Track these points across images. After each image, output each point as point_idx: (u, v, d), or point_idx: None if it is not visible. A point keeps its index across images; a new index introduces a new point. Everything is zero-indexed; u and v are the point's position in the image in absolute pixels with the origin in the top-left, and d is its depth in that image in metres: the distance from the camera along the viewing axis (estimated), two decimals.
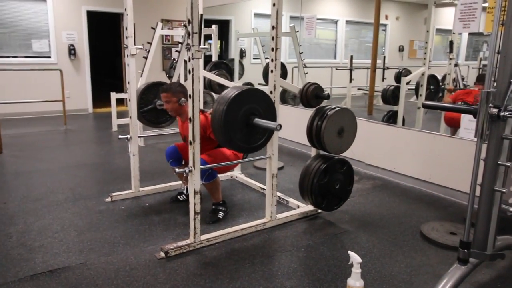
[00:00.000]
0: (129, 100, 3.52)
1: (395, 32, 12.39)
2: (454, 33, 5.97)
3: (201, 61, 3.61)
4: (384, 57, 10.02)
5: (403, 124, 5.74)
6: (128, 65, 3.46)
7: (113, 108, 6.49)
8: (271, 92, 2.94)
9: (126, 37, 3.41)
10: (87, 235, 2.88)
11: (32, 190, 3.78)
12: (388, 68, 10.25)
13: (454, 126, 5.11)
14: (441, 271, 2.46)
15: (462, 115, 3.67)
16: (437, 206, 3.58)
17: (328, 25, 11.38)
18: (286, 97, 6.71)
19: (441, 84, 6.07)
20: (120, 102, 8.05)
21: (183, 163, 3.43)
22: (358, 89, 10.31)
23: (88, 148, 5.53)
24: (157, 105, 3.59)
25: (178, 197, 3.57)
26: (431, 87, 5.91)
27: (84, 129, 6.77)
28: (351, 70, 9.23)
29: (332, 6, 11.43)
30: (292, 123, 5.65)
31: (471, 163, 3.55)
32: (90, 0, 7.93)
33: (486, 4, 3.74)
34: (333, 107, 3.03)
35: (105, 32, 12.92)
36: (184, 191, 3.56)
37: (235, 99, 2.47)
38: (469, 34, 10.35)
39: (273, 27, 2.83)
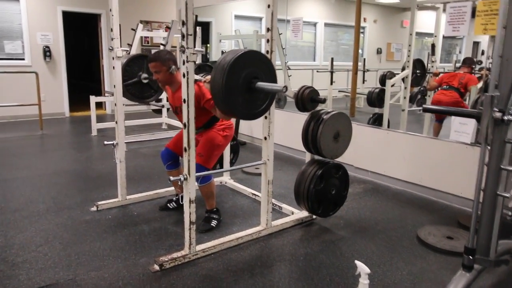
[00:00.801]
0: (115, 104, 3.36)
1: (373, 35, 12.56)
2: (435, 36, 6.02)
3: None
4: (364, 59, 10.11)
5: (388, 126, 5.78)
6: (113, 68, 3.30)
7: (93, 112, 6.27)
8: None
9: (112, 39, 3.25)
10: (74, 248, 2.72)
11: (10, 200, 3.57)
12: (368, 70, 10.36)
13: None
14: (444, 278, 2.44)
15: (453, 117, 3.68)
16: (430, 210, 3.58)
17: (307, 27, 11.41)
18: None
19: (426, 68, 6.15)
20: (99, 105, 7.80)
21: (180, 167, 3.29)
22: (339, 91, 10.36)
23: (67, 154, 5.31)
24: (142, 79, 3.42)
25: (168, 205, 3.43)
26: (417, 71, 5.95)
27: (62, 134, 6.51)
28: (332, 72, 9.25)
29: (311, 9, 11.47)
30: (279, 126, 5.58)
31: (462, 165, 3.60)
32: (66, 1, 7.66)
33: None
34: (329, 111, 2.97)
35: (79, 33, 12.56)
36: (180, 200, 3.42)
37: (236, 63, 2.27)
38: (443, 37, 10.59)
39: (268, 29, 2.75)
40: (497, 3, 3.19)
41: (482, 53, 13.19)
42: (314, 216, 3.28)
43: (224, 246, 2.77)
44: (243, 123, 5.88)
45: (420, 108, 8.18)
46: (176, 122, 6.74)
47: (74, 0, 7.77)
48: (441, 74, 5.63)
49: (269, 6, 2.70)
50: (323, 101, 2.89)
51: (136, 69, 3.44)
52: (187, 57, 2.33)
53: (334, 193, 3.11)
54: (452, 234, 3.02)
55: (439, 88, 5.38)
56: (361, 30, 13.40)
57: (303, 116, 2.90)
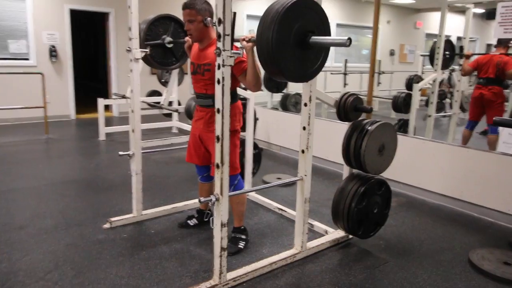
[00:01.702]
0: (132, 111, 3.05)
1: (386, 36, 12.21)
2: (464, 38, 5.68)
3: None
4: (379, 61, 9.78)
5: (414, 134, 5.46)
6: (131, 70, 2.99)
7: (101, 116, 5.95)
8: (305, 105, 2.54)
9: (130, 39, 2.94)
10: (88, 275, 2.41)
11: (15, 214, 3.26)
12: (383, 72, 10.03)
13: (480, 107, 4.91)
14: None
15: (501, 127, 3.36)
16: (475, 228, 3.25)
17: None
18: (287, 104, 6.34)
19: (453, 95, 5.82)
20: (105, 108, 7.48)
21: (212, 181, 2.96)
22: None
23: (75, 160, 5.00)
24: (166, 43, 3.09)
25: (188, 221, 3.12)
26: (446, 53, 5.57)
27: (68, 138, 6.20)
28: (345, 74, 8.92)
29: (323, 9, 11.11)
30: (298, 132, 5.27)
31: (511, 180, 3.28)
32: None
33: None
34: (373, 121, 2.65)
35: (84, 32, 12.26)
36: (211, 223, 3.10)
37: (287, 14, 1.92)
38: (457, 39, 10.26)
39: None
40: None
41: None
42: (350, 236, 2.96)
43: (257, 273, 2.45)
44: (259, 129, 5.57)
45: (445, 113, 7.85)
46: (187, 127, 6.44)
47: None
48: (474, 56, 5.26)
49: None
50: (370, 110, 2.58)
51: (161, 31, 3.11)
52: (223, 60, 2.01)
53: (376, 211, 2.79)
54: (508, 259, 2.69)
55: (477, 82, 5.04)
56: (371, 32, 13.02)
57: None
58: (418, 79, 5.76)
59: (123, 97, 6.04)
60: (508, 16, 3.22)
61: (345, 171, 2.88)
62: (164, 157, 5.08)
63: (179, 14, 3.28)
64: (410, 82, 5.68)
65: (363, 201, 2.68)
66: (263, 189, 3.79)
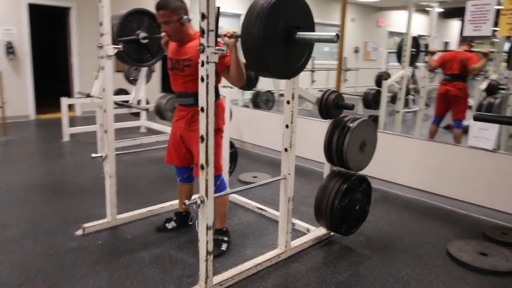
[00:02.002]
0: (105, 110, 2.90)
1: (350, 34, 12.40)
2: (429, 36, 5.85)
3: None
4: (345, 58, 9.92)
5: (384, 129, 5.56)
6: (103, 68, 2.84)
7: (65, 115, 5.67)
8: (288, 102, 2.51)
9: (101, 35, 2.79)
10: (63, 287, 2.26)
11: None
12: (349, 69, 10.20)
13: (446, 103, 5.04)
14: None
15: (472, 122, 3.46)
16: (449, 221, 3.34)
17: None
18: (258, 101, 6.29)
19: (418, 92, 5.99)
20: (68, 107, 7.15)
21: (192, 182, 2.89)
22: (319, 91, 10.13)
23: (39, 163, 4.73)
24: (140, 39, 2.96)
25: (166, 225, 3.01)
26: (412, 50, 5.71)
27: (29, 140, 5.87)
28: (312, 71, 9.00)
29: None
30: (271, 129, 5.25)
31: (482, 173, 3.38)
32: None
33: None
34: (354, 118, 2.65)
35: (43, 28, 11.68)
36: (196, 227, 3.00)
37: (274, 8, 1.87)
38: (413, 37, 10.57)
39: None
40: None
41: None
42: (332, 233, 2.96)
43: (243, 275, 2.39)
44: (231, 127, 5.49)
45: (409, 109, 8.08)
46: (156, 126, 6.27)
47: None
48: (439, 53, 5.43)
49: None
50: (352, 107, 2.57)
51: (134, 26, 2.96)
52: (207, 57, 1.93)
53: (358, 208, 2.80)
54: (484, 249, 2.78)
55: (442, 79, 5.21)
56: (338, 29, 13.24)
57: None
58: (387, 76, 5.87)
59: (88, 96, 5.80)
60: (477, 14, 3.32)
61: (326, 168, 2.87)
62: (133, 158, 4.90)
63: (148, 8, 3.16)
64: (379, 79, 5.79)
65: (345, 198, 2.67)
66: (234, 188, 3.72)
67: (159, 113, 5.22)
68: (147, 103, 6.47)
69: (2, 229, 2.94)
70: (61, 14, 7.92)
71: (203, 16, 1.92)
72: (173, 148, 2.76)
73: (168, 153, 2.81)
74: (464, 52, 4.98)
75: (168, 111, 5.23)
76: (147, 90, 6.29)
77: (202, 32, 1.93)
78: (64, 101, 5.71)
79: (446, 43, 15.04)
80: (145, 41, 3.01)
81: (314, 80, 9.09)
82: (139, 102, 6.03)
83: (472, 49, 5.11)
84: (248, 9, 1.95)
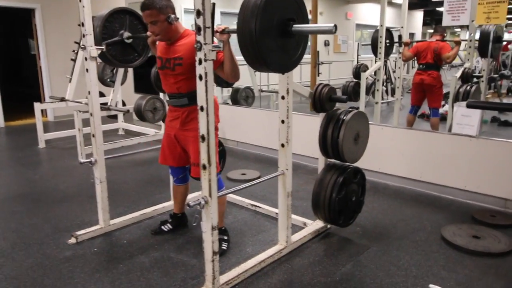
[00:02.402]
0: (91, 114, 2.81)
1: None
2: (402, 27, 5.98)
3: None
4: (318, 52, 10.00)
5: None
6: (87, 70, 2.74)
7: (39, 121, 5.45)
8: (283, 97, 2.50)
9: (83, 35, 2.69)
10: None
11: None
12: (322, 63, 10.30)
13: (421, 92, 5.18)
14: (495, 285, 2.26)
15: (455, 109, 3.57)
16: (438, 206, 3.44)
17: None
18: (238, 98, 6.26)
19: (392, 82, 6.11)
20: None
21: (187, 182, 2.85)
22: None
23: (17, 172, 4.53)
24: (124, 38, 2.88)
25: (162, 227, 2.95)
26: (387, 41, 5.82)
27: (2, 149, 5.63)
28: None
29: None
30: (255, 126, 5.24)
31: (467, 158, 3.49)
32: None
33: None
34: (347, 111, 2.68)
35: (1, 32, 11.21)
36: (168, 224, 2.96)
37: (269, 2, 1.85)
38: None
39: None
40: None
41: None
42: (329, 226, 2.99)
43: (248, 273, 2.38)
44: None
45: (390, 100, 8.24)
46: (135, 127, 6.14)
47: None
48: (413, 43, 5.56)
49: None
50: (345, 100, 2.60)
51: (117, 27, 2.86)
52: (205, 54, 1.90)
53: (354, 199, 2.83)
54: (477, 232, 2.87)
55: (417, 68, 5.33)
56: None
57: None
58: (365, 68, 5.96)
59: (62, 99, 5.61)
60: (455, 5, 3.41)
61: (320, 161, 2.88)
62: (116, 161, 4.75)
63: (116, 3, 3.06)
64: (358, 71, 5.87)
65: (342, 190, 2.70)
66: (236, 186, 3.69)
67: (139, 114, 5.11)
68: (123, 104, 6.32)
69: None
70: (22, 16, 7.60)
71: (198, 13, 1.88)
72: (168, 149, 2.70)
73: (162, 153, 2.75)
74: (436, 41, 5.11)
75: (149, 112, 5.13)
76: (122, 91, 6.14)
77: (198, 29, 1.89)
78: (37, 106, 5.49)
79: (411, 34, 15.44)
80: (130, 40, 2.93)
81: None
82: (124, 104, 5.89)
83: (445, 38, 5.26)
84: (242, 3, 1.92)
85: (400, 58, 5.97)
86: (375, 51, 5.74)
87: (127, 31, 2.94)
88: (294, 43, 2.10)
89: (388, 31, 6.02)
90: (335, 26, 1.88)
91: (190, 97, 2.43)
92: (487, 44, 3.88)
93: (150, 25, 2.40)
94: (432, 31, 13.95)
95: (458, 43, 4.95)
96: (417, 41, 5.98)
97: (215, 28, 2.11)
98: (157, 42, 2.62)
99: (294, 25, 1.97)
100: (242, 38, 1.93)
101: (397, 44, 6.16)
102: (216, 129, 2.57)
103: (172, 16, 2.40)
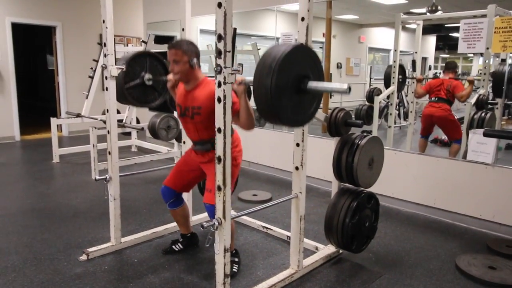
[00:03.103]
0: (108, 132, 2.85)
1: (332, 50, 12.58)
2: (415, 53, 6.02)
3: None
4: (331, 74, 10.07)
5: None
6: (107, 89, 2.80)
7: (54, 136, 5.54)
8: None
9: (105, 55, 2.76)
10: None
11: None
12: None
13: (430, 122, 5.12)
14: None
15: (470, 136, 3.54)
16: (452, 234, 3.38)
17: (268, 42, 11.27)
18: None
19: (408, 74, 6.08)
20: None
21: (182, 205, 2.85)
22: None
23: (31, 186, 4.58)
24: (146, 80, 2.94)
25: (173, 247, 2.95)
26: (399, 77, 5.82)
27: (17, 162, 5.71)
28: None
29: (272, 23, 11.33)
30: (268, 146, 5.26)
31: (482, 186, 3.45)
32: (16, 11, 6.88)
33: None
34: (362, 135, 2.68)
35: (22, 47, 11.50)
36: (179, 244, 2.96)
37: (286, 60, 1.87)
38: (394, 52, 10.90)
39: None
40: None
41: (430, 68, 13.72)
42: (341, 251, 2.96)
43: None
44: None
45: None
46: (148, 145, 6.20)
47: (25, 11, 6.99)
48: (426, 81, 5.55)
49: (303, 19, 2.38)
50: (361, 125, 2.60)
51: (138, 69, 2.94)
52: (224, 78, 1.93)
53: (367, 225, 2.80)
54: (492, 263, 2.81)
55: (428, 100, 5.30)
56: (320, 46, 13.58)
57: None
58: (378, 91, 5.97)
59: (78, 115, 5.70)
60: (470, 32, 3.43)
61: (334, 185, 2.87)
62: (129, 178, 4.80)
63: (122, 29, 3.13)
64: (371, 95, 5.88)
65: (356, 215, 2.68)
66: (250, 209, 3.69)
67: (153, 132, 5.16)
68: (138, 122, 6.40)
69: (2, 257, 2.82)
70: (44, 33, 7.81)
71: (219, 37, 1.92)
72: (180, 171, 2.78)
73: (171, 175, 2.82)
74: (450, 79, 5.10)
75: (162, 130, 5.18)
76: (137, 109, 6.23)
77: (219, 53, 1.93)
78: (54, 122, 5.59)
79: (424, 59, 15.48)
80: (150, 82, 3.00)
81: None
82: (139, 121, 5.98)
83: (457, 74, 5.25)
84: (261, 58, 1.96)
85: (412, 90, 5.97)
86: (387, 84, 5.73)
87: (148, 72, 3.01)
88: (309, 99, 2.10)
89: (401, 67, 6.03)
90: (349, 88, 1.89)
91: (213, 143, 2.49)
92: (501, 85, 3.88)
93: (172, 64, 2.47)
94: (445, 55, 13.96)
95: (471, 82, 4.93)
96: (430, 78, 6.00)
97: (237, 79, 2.14)
98: (177, 88, 2.69)
99: (309, 83, 1.98)
100: (257, 93, 1.93)
101: (410, 69, 6.17)
102: (236, 164, 2.58)
103: (195, 60, 2.48)
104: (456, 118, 5.20)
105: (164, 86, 3.01)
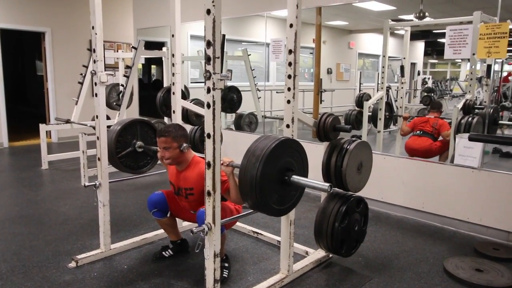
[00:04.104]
0: (98, 138, 2.84)
1: (322, 56, 12.67)
2: (404, 58, 6.11)
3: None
4: (321, 79, 10.13)
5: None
6: (96, 95, 2.79)
7: (43, 142, 5.50)
8: (288, 126, 2.54)
9: (94, 61, 2.76)
10: None
11: None
12: (325, 90, 10.42)
13: (415, 155, 5.07)
14: None
15: (457, 141, 3.59)
16: (441, 238, 3.42)
17: (258, 47, 11.33)
18: (241, 123, 6.31)
19: (394, 111, 6.16)
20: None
21: (168, 215, 2.86)
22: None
23: (19, 193, 4.53)
24: (137, 148, 3.00)
25: (163, 253, 2.94)
26: (386, 114, 5.88)
27: (5, 169, 5.64)
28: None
29: (262, 29, 11.39)
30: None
31: (469, 190, 3.50)
32: (5, 17, 6.83)
33: None
34: (351, 140, 2.71)
35: (9, 52, 11.41)
36: (169, 250, 2.95)
37: (274, 151, 2.00)
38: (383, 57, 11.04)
39: (290, 51, 2.44)
40: (502, 26, 3.17)
41: (418, 73, 13.89)
42: (330, 255, 2.97)
43: None
44: None
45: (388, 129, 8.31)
46: None
47: (14, 16, 6.95)
48: (412, 118, 5.56)
49: (291, 25, 2.41)
50: (349, 129, 2.63)
51: (129, 138, 3.01)
52: (213, 83, 1.95)
53: (357, 229, 2.82)
54: (479, 266, 2.85)
55: (413, 134, 5.25)
56: (311, 51, 13.66)
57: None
58: (368, 97, 6.04)
59: (68, 121, 5.67)
60: (456, 39, 3.49)
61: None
62: (118, 184, 4.77)
63: (113, 35, 3.12)
64: (360, 100, 5.94)
65: (345, 219, 2.69)
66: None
67: None
68: None
69: None
70: (31, 38, 7.77)
71: (208, 44, 1.94)
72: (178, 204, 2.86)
73: (172, 196, 2.87)
74: (435, 118, 5.11)
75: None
76: (127, 114, 6.21)
77: (208, 59, 1.95)
78: (42, 128, 5.55)
79: (413, 64, 15.67)
80: (141, 149, 3.04)
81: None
82: None
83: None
84: (248, 148, 2.07)
85: (401, 96, 6.04)
86: (375, 123, 5.74)
87: (139, 140, 3.05)
88: (292, 190, 2.19)
89: (388, 105, 6.06)
90: (331, 186, 2.02)
91: None
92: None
93: (162, 150, 2.56)
94: (433, 60, 14.13)
95: None
96: (415, 117, 6.01)
97: (221, 160, 2.23)
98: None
99: (293, 177, 2.08)
100: (243, 181, 2.03)
101: (398, 74, 6.25)
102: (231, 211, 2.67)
103: (185, 145, 2.57)
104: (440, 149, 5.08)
105: (155, 153, 3.05)
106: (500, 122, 5.90)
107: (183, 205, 2.77)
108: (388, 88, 7.71)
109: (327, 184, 2.01)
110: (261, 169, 1.96)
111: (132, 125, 3.03)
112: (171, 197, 2.83)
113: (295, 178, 2.08)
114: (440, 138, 4.93)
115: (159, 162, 2.91)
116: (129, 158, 3.02)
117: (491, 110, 3.97)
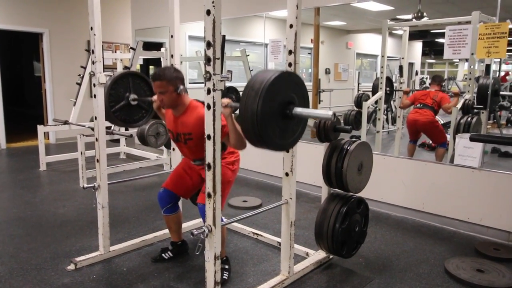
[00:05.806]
0: (97, 139, 2.82)
1: (321, 56, 12.66)
2: (402, 58, 6.10)
3: None
4: (319, 80, 10.13)
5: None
6: (95, 96, 2.77)
7: (41, 143, 5.47)
8: None
9: (93, 62, 2.74)
10: None
11: None
12: (323, 90, 10.41)
13: (416, 128, 5.17)
14: None
15: (457, 141, 3.59)
16: (441, 238, 3.41)
17: (256, 48, 11.30)
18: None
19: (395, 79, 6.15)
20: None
21: (179, 204, 2.86)
22: None
23: (17, 195, 4.50)
24: (131, 101, 2.93)
25: (163, 255, 2.92)
26: (387, 89, 5.88)
27: (3, 170, 5.61)
28: None
29: (261, 30, 11.37)
30: (257, 152, 5.24)
31: (469, 190, 3.49)
32: (3, 18, 6.80)
33: None
34: (351, 141, 2.70)
35: (7, 53, 11.37)
36: (169, 252, 2.93)
37: (272, 86, 1.89)
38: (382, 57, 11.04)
39: (290, 52, 2.43)
40: (501, 26, 3.16)
41: (416, 73, 13.90)
42: (331, 256, 2.96)
43: None
44: None
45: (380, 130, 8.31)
46: (136, 152, 6.16)
47: (12, 17, 6.91)
48: (412, 92, 5.63)
49: (291, 26, 2.40)
50: (350, 130, 2.62)
51: (121, 91, 2.94)
52: (213, 84, 1.93)
53: (357, 230, 2.81)
54: (480, 266, 2.84)
55: (413, 107, 5.36)
56: (309, 51, 13.66)
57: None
58: (366, 97, 6.03)
59: (66, 122, 5.64)
60: (456, 39, 3.49)
61: (324, 191, 2.88)
62: (118, 186, 4.72)
63: (111, 36, 3.11)
64: (359, 100, 5.93)
65: (346, 220, 2.68)
66: (240, 215, 3.68)
67: (142, 139, 5.13)
68: (126, 129, 6.35)
69: None
70: (29, 39, 7.74)
71: (208, 44, 1.92)
72: (180, 175, 2.80)
73: (170, 178, 2.82)
74: (436, 91, 5.18)
75: (151, 137, 5.14)
76: None
77: (208, 60, 1.93)
78: (41, 129, 5.52)
79: (411, 64, 15.69)
80: (136, 102, 3.00)
81: None
82: (127, 128, 5.92)
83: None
84: (247, 84, 1.97)
85: (400, 96, 6.04)
86: (375, 92, 5.77)
87: (132, 93, 3.01)
88: (294, 124, 2.12)
89: (388, 80, 6.09)
90: (334, 114, 1.95)
91: None
92: (486, 97, 3.99)
93: (158, 94, 2.50)
94: (431, 60, 14.16)
95: (456, 95, 5.00)
96: (416, 90, 6.07)
97: (223, 101, 2.16)
98: (164, 109, 2.74)
99: (295, 108, 2.00)
100: (243, 118, 1.94)
101: (397, 74, 6.24)
102: (228, 182, 2.62)
103: (181, 87, 2.50)
104: (440, 123, 5.25)
105: (150, 105, 3.01)
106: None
107: (183, 150, 2.69)
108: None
109: (331, 113, 1.92)
110: (261, 103, 1.86)
111: (123, 78, 2.96)
112: (172, 181, 2.80)
113: (297, 110, 1.98)
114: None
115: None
116: (123, 111, 2.96)
117: (492, 81, 3.98)
